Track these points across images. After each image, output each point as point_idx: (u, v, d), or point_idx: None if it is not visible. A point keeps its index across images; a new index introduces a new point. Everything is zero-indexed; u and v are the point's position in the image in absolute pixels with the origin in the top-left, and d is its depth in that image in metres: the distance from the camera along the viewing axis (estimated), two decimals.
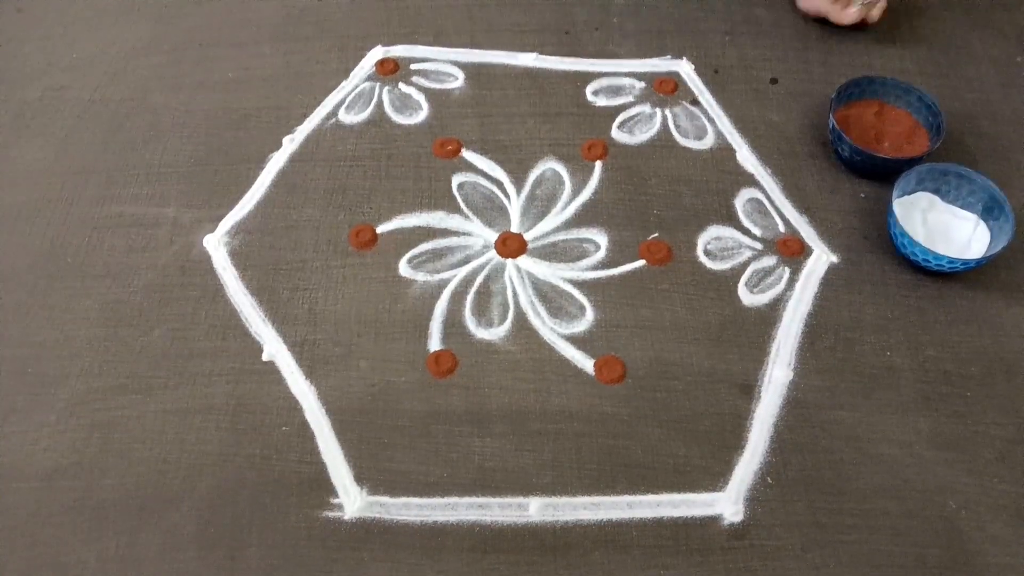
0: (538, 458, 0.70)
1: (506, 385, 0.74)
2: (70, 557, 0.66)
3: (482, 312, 0.79)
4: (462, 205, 0.86)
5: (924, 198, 0.82)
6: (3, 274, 0.82)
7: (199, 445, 0.71)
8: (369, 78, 0.98)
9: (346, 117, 0.94)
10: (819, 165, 0.88)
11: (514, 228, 0.84)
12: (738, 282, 0.80)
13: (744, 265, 0.81)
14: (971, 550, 0.65)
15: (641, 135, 0.92)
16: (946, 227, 0.81)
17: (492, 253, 0.82)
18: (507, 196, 0.87)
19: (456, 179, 0.88)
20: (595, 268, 0.81)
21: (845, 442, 0.71)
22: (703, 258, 0.82)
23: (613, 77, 0.97)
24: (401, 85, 0.97)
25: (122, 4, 1.08)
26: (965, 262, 0.76)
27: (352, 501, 0.68)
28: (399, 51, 1.00)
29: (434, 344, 0.77)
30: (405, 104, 0.95)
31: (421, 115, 0.94)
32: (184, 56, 1.01)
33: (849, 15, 0.96)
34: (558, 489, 0.69)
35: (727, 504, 0.68)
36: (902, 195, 0.81)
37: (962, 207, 0.82)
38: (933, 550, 0.65)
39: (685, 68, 0.98)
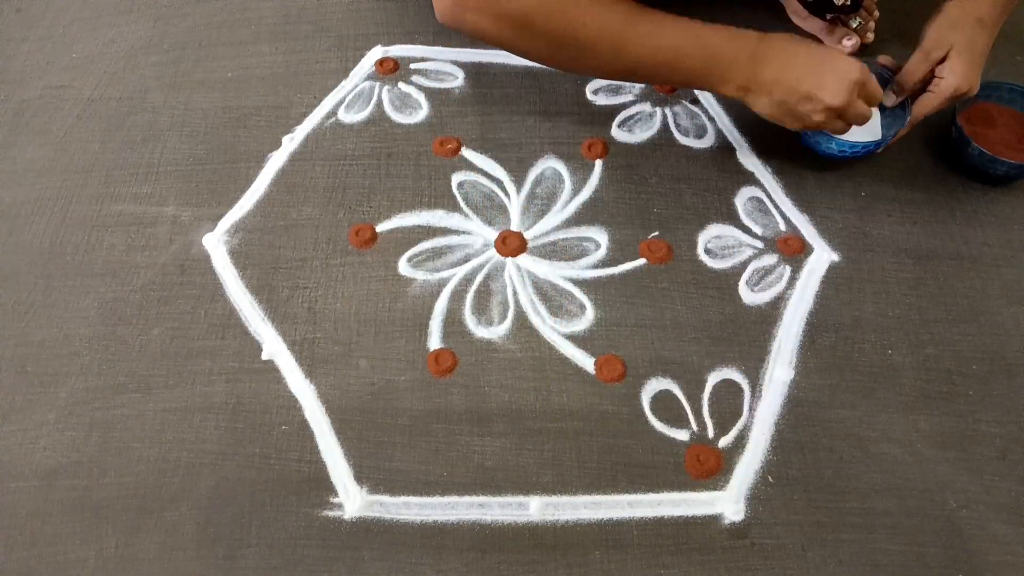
0: (538, 457, 0.70)
1: (506, 384, 0.74)
2: (70, 556, 0.66)
3: (482, 311, 0.78)
4: (462, 204, 0.86)
5: None
6: (3, 273, 0.82)
7: (198, 444, 0.71)
8: (369, 77, 0.98)
9: (346, 116, 0.94)
10: (819, 163, 0.88)
11: (514, 227, 0.84)
12: (739, 281, 0.80)
13: (745, 264, 0.81)
14: (971, 549, 0.65)
15: (641, 134, 0.92)
16: None
17: (492, 252, 0.82)
18: (507, 195, 0.87)
19: (456, 178, 0.88)
20: (595, 267, 0.81)
21: (846, 441, 0.70)
22: (704, 257, 0.82)
23: None
24: (401, 84, 0.97)
25: (122, 4, 1.08)
26: (865, 145, 0.83)
27: (352, 500, 0.68)
28: (398, 50, 1.00)
29: (434, 343, 0.77)
30: (405, 103, 0.95)
31: (421, 114, 0.94)
32: (184, 55, 1.01)
33: (844, 49, 0.97)
34: (558, 488, 0.68)
35: (728, 503, 0.67)
36: None
37: None
38: (933, 549, 0.65)
39: None
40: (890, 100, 0.85)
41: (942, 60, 0.81)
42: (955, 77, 0.80)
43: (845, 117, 0.77)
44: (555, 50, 0.78)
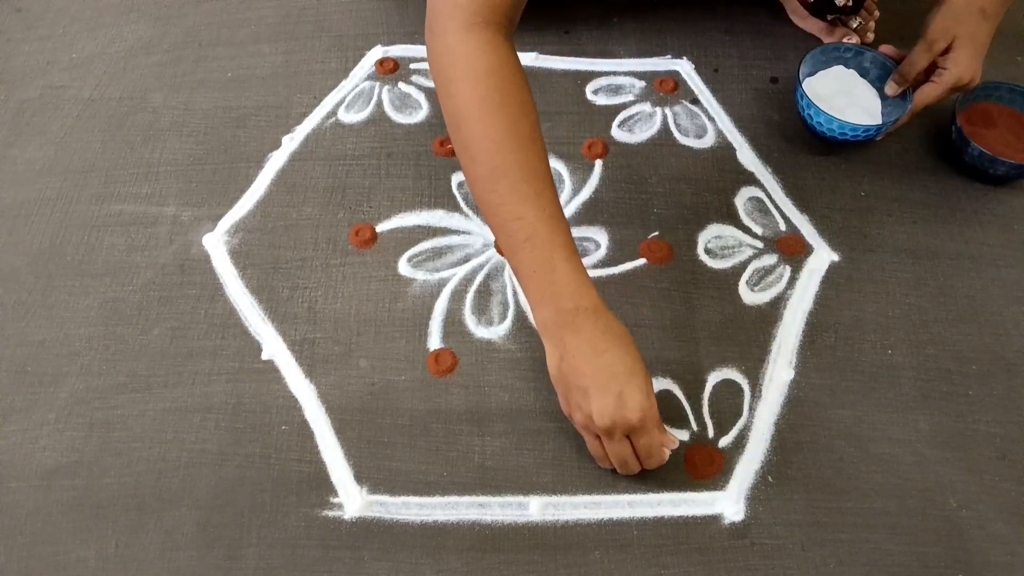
0: (538, 457, 0.70)
1: (506, 383, 0.74)
2: (70, 556, 0.66)
3: (482, 311, 0.78)
4: (462, 204, 0.86)
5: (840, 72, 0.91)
6: (3, 273, 0.82)
7: (198, 444, 0.71)
8: (369, 77, 0.98)
9: (346, 116, 0.94)
10: (819, 163, 0.88)
11: None
12: (739, 281, 0.80)
13: (745, 264, 0.81)
14: (971, 549, 0.65)
15: (641, 134, 0.92)
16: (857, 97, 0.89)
17: (492, 252, 0.82)
18: None
19: (456, 178, 0.88)
20: (596, 267, 0.81)
21: (846, 441, 0.70)
22: (704, 257, 0.82)
23: (613, 76, 0.97)
24: (401, 84, 0.97)
25: (122, 4, 1.08)
26: (866, 129, 0.83)
27: (352, 500, 0.68)
28: (398, 50, 1.00)
29: (434, 343, 0.77)
30: (405, 103, 0.95)
31: (421, 114, 0.94)
32: (183, 55, 1.01)
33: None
34: (558, 488, 0.68)
35: (728, 503, 0.67)
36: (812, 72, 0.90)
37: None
38: (933, 549, 0.65)
39: (685, 67, 0.98)
40: (891, 89, 0.85)
41: (945, 51, 0.81)
42: (958, 68, 0.80)
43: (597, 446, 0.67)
44: (447, 122, 0.69)
